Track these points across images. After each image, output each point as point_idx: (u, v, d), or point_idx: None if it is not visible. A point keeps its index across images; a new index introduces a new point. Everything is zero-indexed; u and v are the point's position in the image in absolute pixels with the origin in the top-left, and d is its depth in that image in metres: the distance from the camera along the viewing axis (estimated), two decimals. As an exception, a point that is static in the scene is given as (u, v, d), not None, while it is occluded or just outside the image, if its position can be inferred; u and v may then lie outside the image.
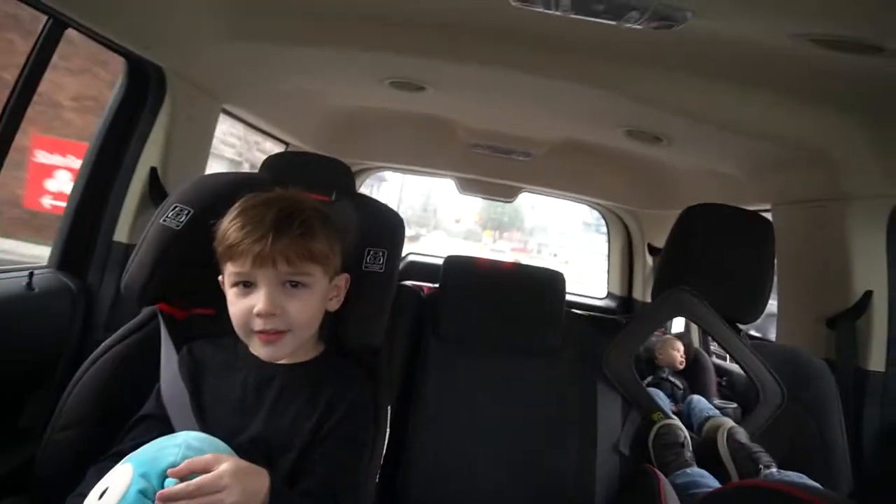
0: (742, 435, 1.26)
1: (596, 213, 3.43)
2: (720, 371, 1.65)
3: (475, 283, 1.43)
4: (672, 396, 1.50)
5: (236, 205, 0.93)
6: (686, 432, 1.28)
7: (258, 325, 0.88)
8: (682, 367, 1.58)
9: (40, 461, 0.95)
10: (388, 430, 1.06)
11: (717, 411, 1.43)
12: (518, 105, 1.83)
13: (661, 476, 1.09)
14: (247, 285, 0.88)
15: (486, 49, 1.42)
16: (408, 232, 1.27)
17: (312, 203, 0.96)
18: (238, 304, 0.89)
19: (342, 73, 1.72)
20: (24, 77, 1.15)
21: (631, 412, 1.34)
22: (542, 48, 1.38)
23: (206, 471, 0.71)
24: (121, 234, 1.48)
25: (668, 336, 1.68)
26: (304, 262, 0.89)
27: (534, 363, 1.37)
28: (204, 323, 1.03)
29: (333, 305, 0.98)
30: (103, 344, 1.04)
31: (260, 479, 0.76)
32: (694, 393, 1.52)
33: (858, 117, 1.34)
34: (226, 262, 0.90)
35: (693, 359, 1.61)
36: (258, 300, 0.87)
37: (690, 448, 1.27)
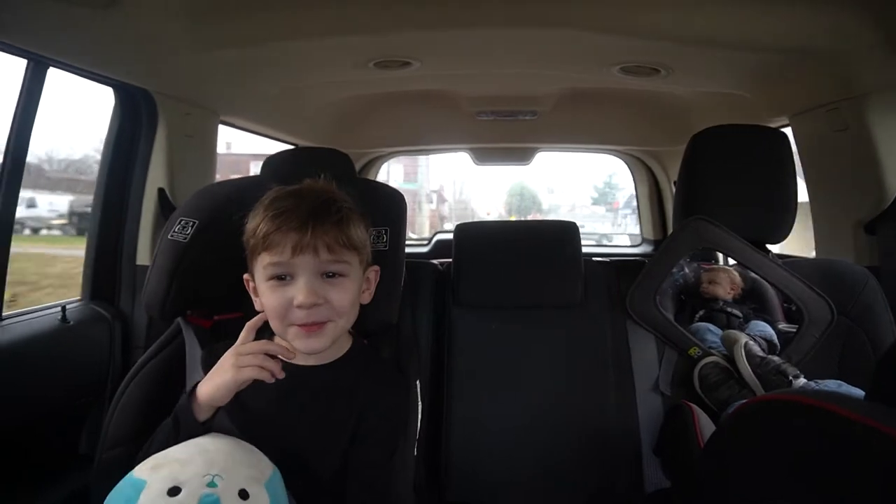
0: (757, 348, 1.21)
1: (600, 186, 3.36)
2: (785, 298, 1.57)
3: (488, 245, 1.42)
4: (728, 325, 1.44)
5: (266, 197, 0.90)
6: (726, 363, 1.24)
7: (298, 316, 0.85)
8: (730, 297, 1.52)
9: (94, 482, 1.00)
10: (419, 403, 1.06)
11: (768, 329, 1.37)
12: (508, 63, 1.79)
13: (695, 408, 1.07)
14: (282, 278, 0.85)
15: (462, 11, 1.38)
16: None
17: (343, 193, 0.93)
18: (274, 297, 0.85)
19: (324, 65, 1.71)
20: (16, 126, 1.19)
21: (666, 350, 1.31)
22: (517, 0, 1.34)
23: None
24: (143, 258, 1.54)
25: (716, 266, 1.61)
26: (344, 249, 0.86)
27: (560, 316, 1.36)
28: (232, 327, 1.05)
29: (366, 298, 0.95)
30: (137, 363, 1.08)
31: None
32: (758, 319, 1.46)
33: (865, 8, 1.26)
34: (259, 254, 0.87)
35: (751, 285, 1.54)
36: (297, 291, 0.84)
37: (736, 377, 1.23)
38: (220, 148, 1.85)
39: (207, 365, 0.92)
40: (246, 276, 0.93)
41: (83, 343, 1.39)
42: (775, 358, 1.18)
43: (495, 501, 1.26)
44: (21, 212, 1.32)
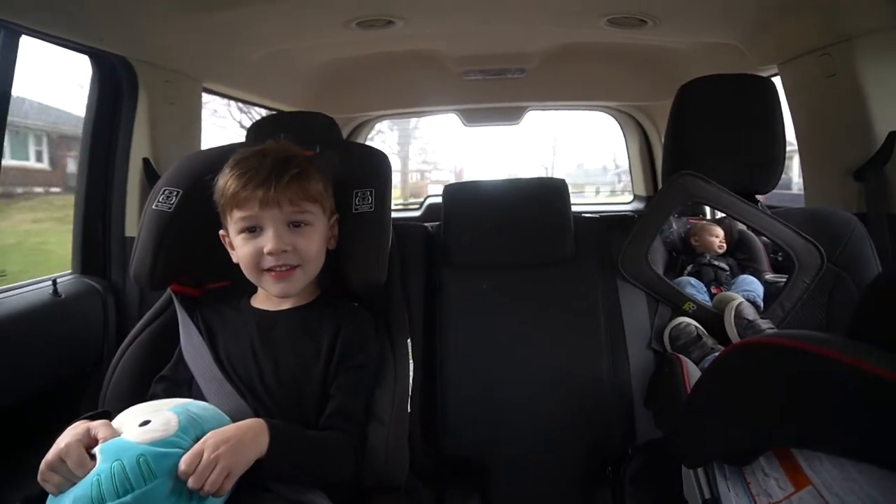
0: (750, 311, 1.23)
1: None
2: (774, 247, 1.58)
3: (477, 204, 1.41)
4: (716, 279, 1.45)
5: (231, 159, 0.98)
6: (696, 324, 1.26)
7: (269, 262, 0.94)
8: (721, 251, 1.52)
9: None
10: (411, 361, 1.07)
11: (757, 287, 1.38)
12: (493, 18, 1.75)
13: (683, 358, 1.08)
14: (253, 230, 0.95)
15: None
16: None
17: (300, 150, 1.02)
18: (247, 248, 0.95)
19: (306, 26, 1.67)
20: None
21: (659, 307, 1.32)
22: None
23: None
24: (131, 229, 1.53)
25: (705, 221, 1.61)
26: (305, 201, 0.96)
27: (551, 274, 1.36)
28: (219, 295, 1.06)
29: (332, 244, 1.04)
30: (131, 333, 1.09)
31: (248, 433, 0.80)
32: (746, 270, 1.46)
33: None
34: (230, 210, 0.96)
35: (738, 238, 1.54)
36: (267, 241, 0.93)
37: (708, 335, 1.24)
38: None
39: (203, 333, 1.00)
40: (221, 231, 1.01)
41: (76, 316, 1.39)
42: (762, 322, 1.20)
43: (490, 455, 1.28)
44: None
